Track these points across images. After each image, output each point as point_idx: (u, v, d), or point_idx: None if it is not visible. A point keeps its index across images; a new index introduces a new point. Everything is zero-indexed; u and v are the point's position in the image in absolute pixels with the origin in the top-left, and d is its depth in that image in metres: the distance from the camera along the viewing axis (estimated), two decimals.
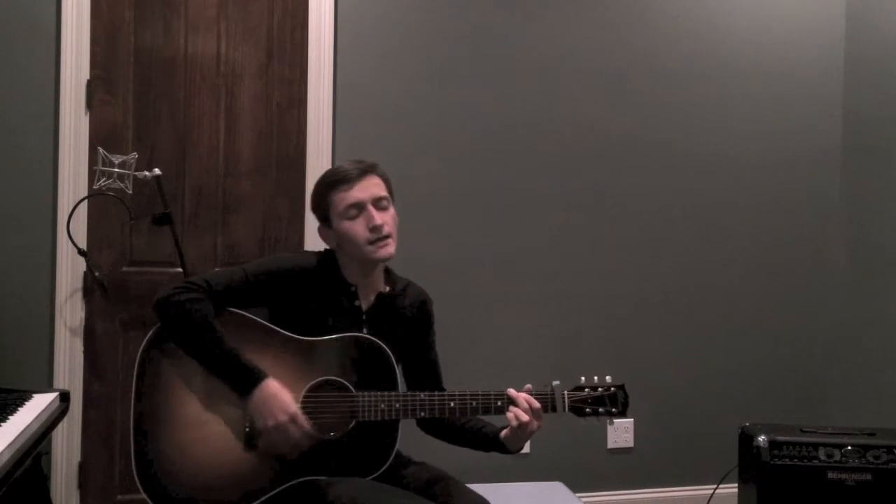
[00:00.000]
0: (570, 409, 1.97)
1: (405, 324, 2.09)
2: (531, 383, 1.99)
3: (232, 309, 1.93)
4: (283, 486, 1.88)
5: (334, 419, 1.91)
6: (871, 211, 3.48)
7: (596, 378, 2.01)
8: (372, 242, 1.95)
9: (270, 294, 1.96)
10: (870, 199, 3.49)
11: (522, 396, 1.93)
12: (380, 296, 2.06)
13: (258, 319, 1.94)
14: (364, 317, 2.04)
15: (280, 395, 1.83)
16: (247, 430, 1.88)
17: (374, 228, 1.94)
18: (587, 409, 1.97)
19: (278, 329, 1.94)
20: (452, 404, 1.93)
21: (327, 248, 2.08)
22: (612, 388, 1.99)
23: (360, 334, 1.98)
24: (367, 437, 1.92)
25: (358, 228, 1.95)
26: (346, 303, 2.02)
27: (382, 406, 1.91)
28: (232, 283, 1.93)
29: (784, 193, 3.56)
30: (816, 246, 3.60)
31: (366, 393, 1.92)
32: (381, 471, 1.92)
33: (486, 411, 1.94)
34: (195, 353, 1.86)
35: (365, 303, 2.04)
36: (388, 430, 1.93)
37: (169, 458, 1.86)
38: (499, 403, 1.93)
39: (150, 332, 1.90)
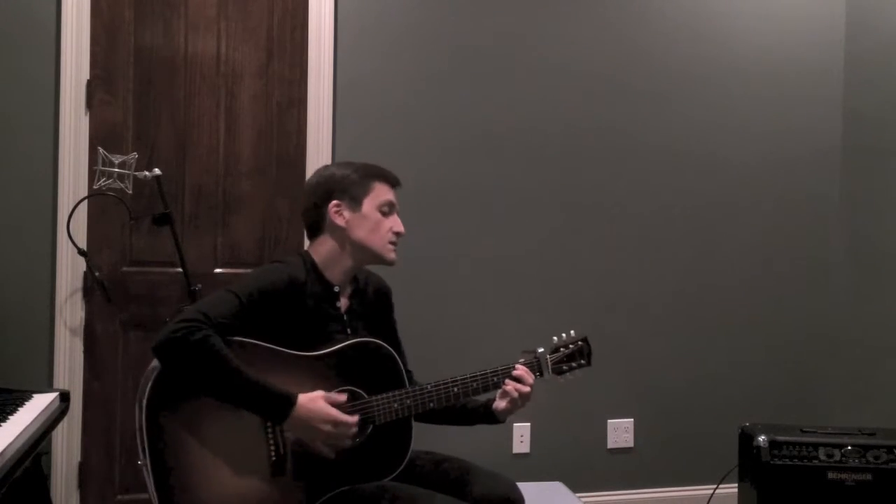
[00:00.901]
0: (553, 372, 2.10)
1: (373, 311, 2.14)
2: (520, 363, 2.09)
3: (234, 338, 1.87)
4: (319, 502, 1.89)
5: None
6: (871, 211, 3.48)
7: (564, 335, 2.15)
8: (389, 242, 2.05)
9: (267, 312, 1.90)
10: (870, 199, 3.49)
11: (522, 370, 2.04)
12: (352, 294, 2.10)
13: (258, 342, 1.89)
14: (345, 317, 2.05)
15: (316, 408, 1.83)
16: (273, 458, 1.86)
17: (399, 234, 2.06)
18: (564, 367, 2.11)
19: (280, 348, 1.90)
20: (456, 389, 2.00)
21: (301, 251, 2.09)
22: (580, 343, 2.14)
23: (362, 339, 1.99)
24: (385, 437, 1.95)
25: (386, 225, 2.04)
26: (329, 306, 2.02)
27: (395, 405, 1.94)
28: (229, 311, 1.85)
29: (784, 193, 3.56)
30: (816, 246, 3.60)
31: (378, 396, 1.94)
32: (401, 469, 1.95)
33: (486, 389, 2.03)
34: (216, 391, 1.81)
35: (343, 304, 2.06)
36: (402, 427, 1.97)
37: (196, 501, 1.82)
38: (495, 379, 2.03)
39: (150, 383, 1.81)
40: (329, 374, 1.92)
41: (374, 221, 2.02)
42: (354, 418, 1.88)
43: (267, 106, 3.07)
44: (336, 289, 2.04)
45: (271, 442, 1.87)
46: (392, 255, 2.06)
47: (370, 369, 1.96)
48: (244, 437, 1.85)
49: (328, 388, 1.91)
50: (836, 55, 3.61)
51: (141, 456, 1.83)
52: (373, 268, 2.13)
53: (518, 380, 2.02)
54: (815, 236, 3.60)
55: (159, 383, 1.82)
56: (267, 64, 3.06)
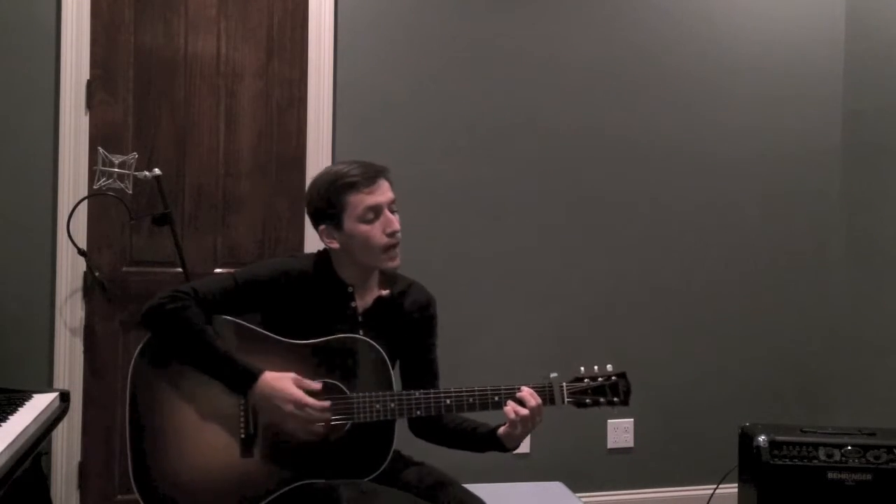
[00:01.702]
0: (569, 401, 1.93)
1: (406, 325, 2.05)
2: (530, 379, 1.96)
3: (223, 316, 1.92)
4: (282, 490, 1.88)
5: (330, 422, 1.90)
6: (870, 210, 3.48)
7: (596, 368, 1.97)
8: (386, 249, 1.94)
9: (261, 300, 1.93)
10: (869, 198, 3.49)
11: (526, 391, 1.89)
12: (379, 299, 2.03)
13: (249, 325, 1.93)
14: (360, 318, 2.02)
15: (280, 385, 1.83)
16: (242, 436, 1.88)
17: (393, 234, 1.94)
18: (587, 400, 1.93)
19: (269, 334, 1.92)
20: (448, 401, 1.90)
21: (322, 248, 2.05)
22: (614, 378, 1.95)
23: (352, 335, 1.95)
24: (364, 438, 1.91)
25: (375, 233, 1.93)
26: (342, 304, 2.00)
27: (377, 406, 1.89)
28: (221, 291, 1.91)
29: (784, 193, 3.56)
30: (816, 245, 3.60)
31: (360, 394, 1.90)
32: (379, 471, 1.91)
33: (484, 407, 1.90)
34: (189, 359, 1.87)
35: (361, 304, 2.02)
36: (384, 430, 1.92)
37: (166, 468, 1.86)
38: (496, 399, 1.89)
39: (140, 346, 1.91)
40: (311, 365, 1.91)
41: (361, 236, 1.93)
42: (325, 403, 1.85)
43: (267, 106, 3.07)
44: (350, 289, 2.01)
45: (242, 419, 1.88)
46: (390, 264, 1.96)
47: (356, 367, 1.93)
48: (219, 412, 1.88)
49: (307, 378, 1.89)
50: (836, 55, 3.61)
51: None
52: None
53: (520, 402, 1.87)
54: (815, 236, 3.60)
55: (146, 349, 1.90)
56: (267, 64, 3.06)
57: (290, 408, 1.82)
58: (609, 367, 1.97)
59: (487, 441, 1.96)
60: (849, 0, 3.60)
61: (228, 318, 1.92)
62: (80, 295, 2.88)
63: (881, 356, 3.38)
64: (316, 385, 1.87)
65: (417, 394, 1.91)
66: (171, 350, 1.88)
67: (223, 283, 1.93)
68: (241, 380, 1.84)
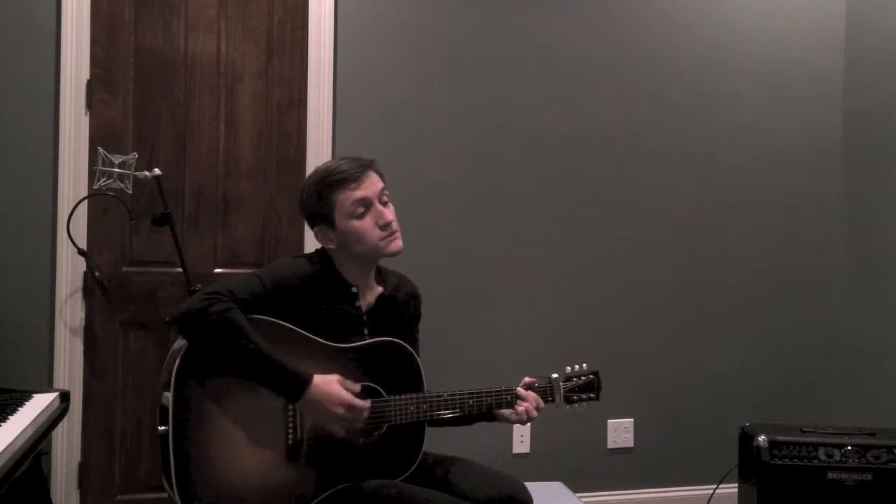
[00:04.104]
0: (564, 401, 2.14)
1: (401, 317, 2.12)
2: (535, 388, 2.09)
3: (262, 316, 1.89)
4: (324, 495, 1.90)
5: (369, 424, 1.93)
6: (871, 211, 3.48)
7: (577, 367, 2.19)
8: (383, 238, 1.98)
9: (286, 302, 1.90)
10: (870, 199, 3.49)
11: (532, 396, 2.05)
12: (381, 297, 2.07)
13: (288, 325, 1.90)
14: (365, 318, 2.04)
15: (330, 389, 1.83)
16: (290, 442, 1.87)
17: (385, 225, 1.98)
18: (574, 398, 2.15)
19: (309, 335, 1.91)
20: (471, 402, 2.01)
21: (320, 249, 2.06)
22: (591, 376, 2.19)
23: (388, 339, 2.00)
24: (397, 438, 1.96)
25: (367, 226, 1.97)
26: (347, 304, 2.01)
27: (412, 408, 1.95)
28: (254, 293, 1.86)
29: (784, 194, 3.56)
30: (816, 246, 3.60)
31: (396, 397, 1.95)
32: (410, 472, 1.97)
33: (499, 406, 2.06)
34: (235, 364, 1.81)
35: (365, 304, 2.05)
36: (415, 431, 1.98)
37: (210, 475, 1.82)
38: (508, 398, 2.05)
39: (182, 350, 1.83)
40: (351, 368, 1.93)
41: (354, 231, 1.96)
42: (366, 403, 1.88)
43: (267, 106, 3.07)
44: (354, 288, 2.03)
45: (290, 426, 1.88)
46: (391, 248, 1.99)
47: (392, 369, 1.98)
48: (265, 419, 1.86)
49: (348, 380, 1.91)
50: (836, 55, 3.61)
51: (159, 423, 1.83)
52: (392, 262, 2.12)
53: (529, 403, 2.06)
54: (816, 237, 3.60)
55: (190, 355, 1.83)
56: (267, 64, 3.06)
57: (341, 411, 1.83)
58: (585, 366, 2.20)
59: (482, 417, 2.10)
60: (849, 0, 3.60)
61: (268, 318, 1.88)
62: (80, 295, 2.88)
63: (881, 356, 3.38)
64: (356, 387, 1.89)
65: (445, 395, 1.99)
66: (210, 354, 1.82)
67: (253, 286, 1.87)
68: (294, 386, 1.81)
